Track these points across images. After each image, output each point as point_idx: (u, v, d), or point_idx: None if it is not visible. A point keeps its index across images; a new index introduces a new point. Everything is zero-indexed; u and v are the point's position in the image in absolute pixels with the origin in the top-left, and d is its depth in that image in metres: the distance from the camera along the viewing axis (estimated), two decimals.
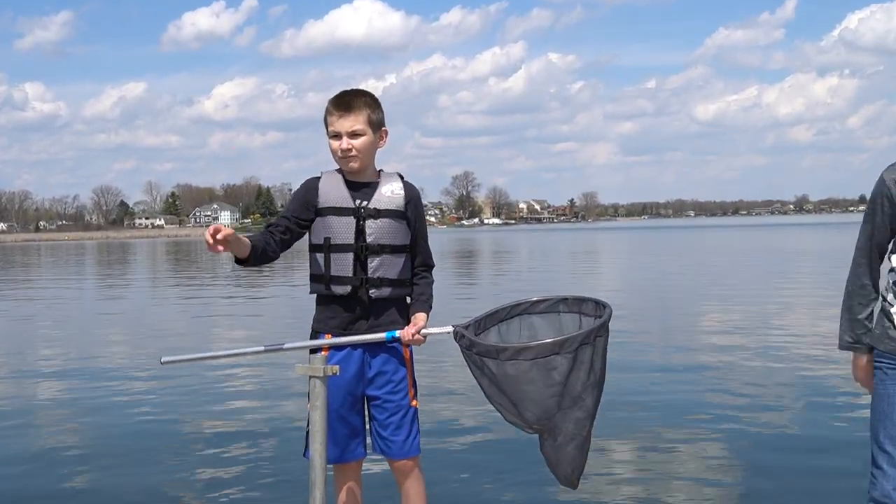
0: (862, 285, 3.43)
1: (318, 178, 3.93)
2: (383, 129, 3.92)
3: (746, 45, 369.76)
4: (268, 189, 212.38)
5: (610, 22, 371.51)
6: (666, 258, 45.25)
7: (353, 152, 3.80)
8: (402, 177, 3.98)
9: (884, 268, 3.44)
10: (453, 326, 3.70)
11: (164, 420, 9.87)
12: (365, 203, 3.84)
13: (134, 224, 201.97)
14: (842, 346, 3.55)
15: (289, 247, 3.88)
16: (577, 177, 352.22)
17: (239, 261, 3.66)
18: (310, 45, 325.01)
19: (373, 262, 3.81)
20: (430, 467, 4.05)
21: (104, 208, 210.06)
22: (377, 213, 3.83)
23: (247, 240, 3.62)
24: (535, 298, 3.89)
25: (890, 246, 3.42)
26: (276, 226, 3.86)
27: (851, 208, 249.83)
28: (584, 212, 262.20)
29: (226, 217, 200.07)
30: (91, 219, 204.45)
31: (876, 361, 3.43)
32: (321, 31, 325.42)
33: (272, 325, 18.14)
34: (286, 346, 3.92)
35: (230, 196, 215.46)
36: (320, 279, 3.88)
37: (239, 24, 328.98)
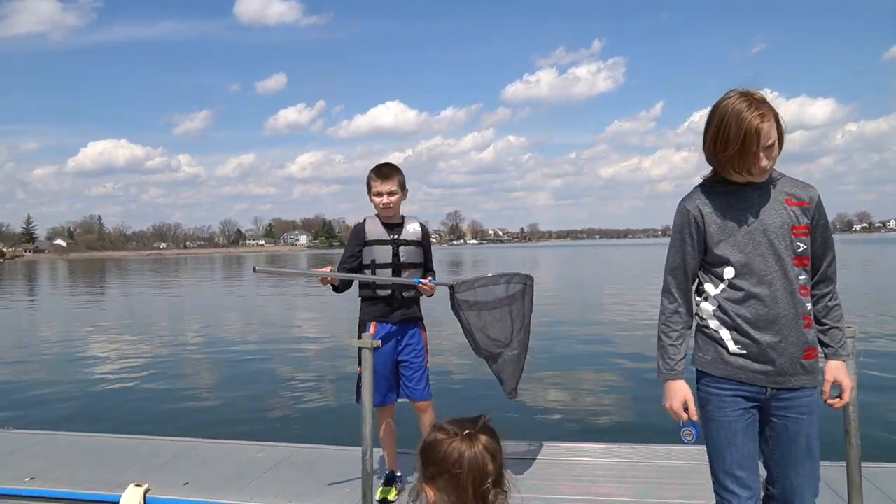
0: (676, 311, 2.22)
1: (363, 221, 3.79)
2: (406, 188, 3.80)
3: (632, 131, 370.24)
4: (329, 221, 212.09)
5: (547, 116, 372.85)
6: (579, 263, 47.62)
7: (391, 205, 3.69)
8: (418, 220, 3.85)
9: (703, 294, 2.21)
10: (453, 282, 3.74)
11: (267, 370, 9.74)
12: (396, 236, 3.72)
13: (245, 244, 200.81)
14: (664, 377, 2.20)
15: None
16: (526, 213, 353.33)
17: (335, 288, 3.70)
18: (358, 130, 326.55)
19: (404, 274, 3.68)
20: (436, 404, 3.90)
21: (227, 233, 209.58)
22: (406, 243, 3.71)
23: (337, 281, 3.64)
24: (498, 273, 3.87)
25: (700, 273, 2.22)
26: (347, 262, 3.72)
27: None
28: (530, 236, 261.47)
29: (303, 239, 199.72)
30: (218, 240, 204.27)
31: (713, 387, 2.15)
32: (365, 122, 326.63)
33: (333, 312, 17.89)
34: (352, 276, 3.62)
35: (306, 225, 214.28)
36: (368, 286, 3.71)
37: (313, 118, 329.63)
